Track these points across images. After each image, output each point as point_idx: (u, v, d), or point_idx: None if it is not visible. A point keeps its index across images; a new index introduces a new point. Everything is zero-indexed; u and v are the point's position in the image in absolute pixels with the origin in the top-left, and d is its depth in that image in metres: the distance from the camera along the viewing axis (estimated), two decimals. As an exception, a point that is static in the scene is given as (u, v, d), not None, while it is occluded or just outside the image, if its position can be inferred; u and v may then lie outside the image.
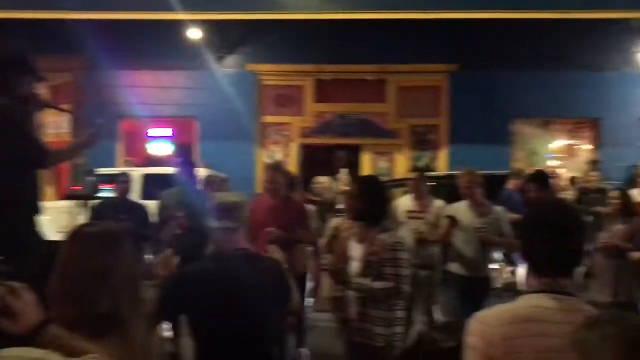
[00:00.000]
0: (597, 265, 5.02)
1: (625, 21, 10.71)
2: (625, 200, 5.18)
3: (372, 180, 4.27)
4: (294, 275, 4.64)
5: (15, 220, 3.08)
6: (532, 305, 1.75)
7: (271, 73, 12.50)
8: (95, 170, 6.00)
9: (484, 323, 1.74)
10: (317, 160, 12.50)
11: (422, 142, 12.51)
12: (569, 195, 9.17)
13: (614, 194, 5.38)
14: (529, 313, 1.73)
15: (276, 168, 5.19)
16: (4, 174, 3.10)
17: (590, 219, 7.11)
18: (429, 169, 11.20)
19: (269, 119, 12.67)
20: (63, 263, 1.84)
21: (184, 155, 10.03)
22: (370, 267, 3.38)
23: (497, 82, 11.72)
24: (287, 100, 12.67)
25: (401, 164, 12.21)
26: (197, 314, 2.56)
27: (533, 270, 1.85)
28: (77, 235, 1.92)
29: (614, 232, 5.04)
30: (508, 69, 11.70)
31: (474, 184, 5.23)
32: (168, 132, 13.28)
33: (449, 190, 6.23)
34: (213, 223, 2.73)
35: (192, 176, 5.93)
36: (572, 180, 10.30)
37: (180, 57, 11.87)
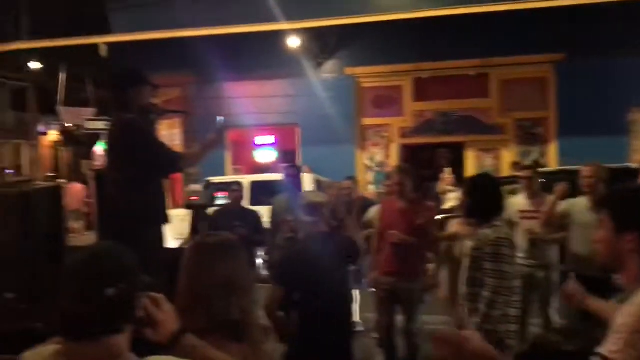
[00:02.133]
0: None
1: None
2: None
3: (483, 177, 4.18)
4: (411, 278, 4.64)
5: (145, 230, 3.27)
6: None
7: (369, 75, 12.53)
8: (208, 179, 6.29)
9: None
10: (418, 159, 12.37)
11: (529, 136, 12.00)
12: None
13: None
14: None
15: (403, 170, 5.14)
16: (134, 185, 3.31)
17: None
18: (538, 164, 10.71)
19: (368, 120, 12.70)
20: (190, 274, 1.95)
21: (289, 161, 10.34)
22: (475, 262, 3.34)
23: (610, 69, 11.01)
24: (386, 101, 12.64)
25: (507, 160, 11.79)
26: (296, 287, 3.32)
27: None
28: (199, 246, 2.05)
29: None
30: (623, 54, 10.94)
31: (599, 179, 4.90)
32: (271, 139, 13.67)
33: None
34: (302, 217, 3.59)
35: (297, 181, 6.07)
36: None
37: (280, 66, 12.21)
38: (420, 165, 11.45)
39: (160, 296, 1.63)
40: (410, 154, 12.57)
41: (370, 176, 12.48)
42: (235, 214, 6.03)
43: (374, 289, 5.12)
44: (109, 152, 3.48)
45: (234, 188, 6.15)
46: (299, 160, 12.18)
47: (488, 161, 12.15)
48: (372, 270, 5.13)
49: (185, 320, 1.78)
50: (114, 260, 1.51)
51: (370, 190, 12.04)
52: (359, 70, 12.46)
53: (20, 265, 2.84)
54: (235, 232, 5.62)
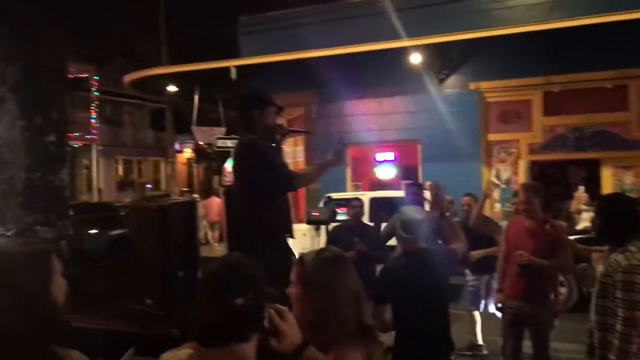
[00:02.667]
0: None
1: None
2: None
3: (617, 197, 3.87)
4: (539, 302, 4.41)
5: (269, 245, 3.38)
6: None
7: (495, 89, 12.12)
8: (329, 195, 6.38)
9: None
10: (548, 177, 11.73)
11: (676, 152, 10.94)
12: None
13: None
14: None
15: (531, 187, 4.89)
16: (258, 201, 3.45)
17: None
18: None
19: (494, 136, 12.26)
20: (322, 288, 2.00)
21: (410, 178, 10.25)
22: (605, 290, 3.09)
23: None
24: (514, 115, 12.13)
25: (650, 178, 10.83)
26: (397, 300, 3.48)
27: None
28: (328, 260, 2.09)
29: None
30: None
31: None
32: (391, 156, 13.65)
33: None
34: (402, 233, 3.63)
35: (419, 198, 5.98)
36: None
37: (401, 83, 12.17)
38: (551, 183, 10.85)
39: (285, 308, 1.68)
40: (539, 171, 11.95)
41: (496, 194, 12.03)
42: (355, 230, 6.06)
43: (499, 312, 4.90)
44: (234, 169, 3.67)
45: (354, 204, 6.19)
46: (420, 177, 12.03)
47: (628, 179, 11.23)
48: (498, 292, 4.92)
49: (314, 332, 1.87)
50: (243, 272, 1.59)
51: (496, 208, 11.59)
52: (484, 84, 12.09)
53: (158, 274, 3.04)
54: (355, 248, 5.66)
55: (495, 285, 5.81)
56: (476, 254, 5.83)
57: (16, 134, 2.85)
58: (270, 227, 3.44)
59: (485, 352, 5.98)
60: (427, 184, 5.06)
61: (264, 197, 3.45)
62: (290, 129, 4.10)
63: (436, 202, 4.13)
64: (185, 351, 1.66)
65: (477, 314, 6.22)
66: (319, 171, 3.82)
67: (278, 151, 3.76)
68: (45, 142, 2.93)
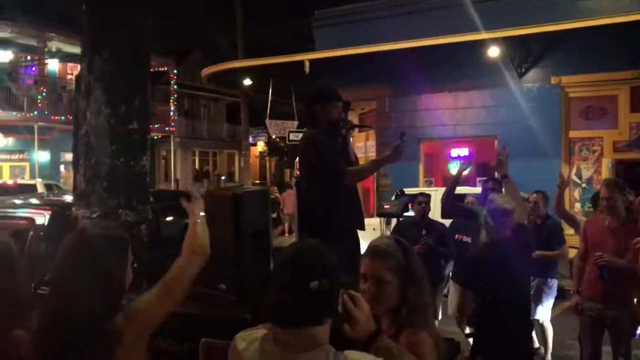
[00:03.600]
0: None
1: None
2: None
3: None
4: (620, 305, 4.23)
5: (337, 235, 3.39)
6: None
7: (578, 84, 11.57)
8: (402, 189, 6.32)
9: None
10: (634, 177, 11.09)
11: None
12: None
13: None
14: None
15: (613, 184, 4.63)
16: (322, 193, 3.57)
17: None
18: None
19: (576, 133, 11.73)
20: (402, 276, 2.02)
21: (485, 174, 9.97)
22: None
23: None
24: (597, 112, 11.55)
25: None
26: (482, 287, 3.55)
27: None
28: (408, 250, 2.10)
29: None
30: None
31: None
32: (466, 151, 13.34)
33: None
34: (490, 220, 3.70)
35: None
36: None
37: (478, 77, 11.84)
38: (636, 184, 10.26)
39: (359, 295, 1.69)
40: (624, 170, 11.29)
41: (576, 194, 11.51)
42: (421, 225, 6.01)
43: (578, 314, 4.69)
44: (299, 162, 3.88)
45: (419, 200, 6.13)
46: (496, 174, 11.68)
47: None
48: (575, 294, 4.70)
49: (390, 320, 1.96)
50: (318, 257, 1.62)
51: (576, 208, 11.10)
52: (567, 79, 11.56)
53: (232, 260, 3.11)
54: (421, 242, 5.62)
55: (547, 290, 5.63)
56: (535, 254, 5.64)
57: (102, 121, 2.98)
58: (335, 218, 3.51)
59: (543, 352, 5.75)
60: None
61: (324, 189, 3.56)
62: (354, 124, 4.16)
63: (501, 163, 4.26)
64: (260, 331, 1.71)
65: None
66: (373, 166, 3.89)
67: (344, 145, 3.84)
68: (128, 130, 3.04)
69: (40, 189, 15.34)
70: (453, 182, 4.98)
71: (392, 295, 1.98)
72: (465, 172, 5.42)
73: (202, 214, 2.22)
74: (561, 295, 7.18)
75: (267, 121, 14.58)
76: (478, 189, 6.56)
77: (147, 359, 2.02)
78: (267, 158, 34.07)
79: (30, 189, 14.40)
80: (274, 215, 13.07)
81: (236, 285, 3.08)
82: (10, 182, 17.16)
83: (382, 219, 7.37)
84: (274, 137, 16.11)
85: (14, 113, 21.22)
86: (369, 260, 2.04)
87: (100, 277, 1.88)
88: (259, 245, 3.24)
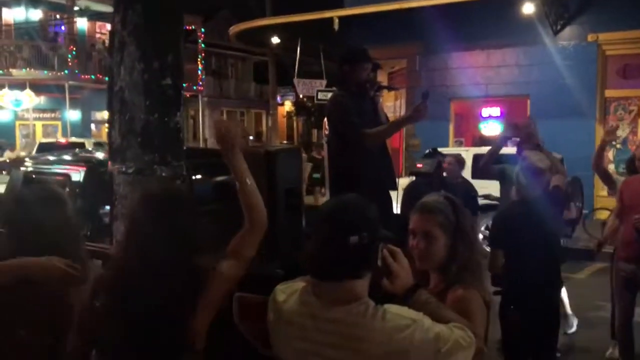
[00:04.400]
0: None
1: None
2: None
3: None
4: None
5: (362, 192, 3.38)
6: None
7: (616, 41, 11.18)
8: (434, 148, 6.22)
9: None
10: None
11: None
12: None
13: None
14: None
15: None
16: (347, 154, 3.58)
17: None
18: None
19: (612, 92, 11.40)
20: (457, 232, 2.02)
21: (517, 134, 9.78)
22: None
23: None
24: (635, 70, 11.18)
25: None
26: (510, 245, 3.50)
27: None
28: (460, 206, 2.09)
29: None
30: None
31: None
32: (497, 111, 13.10)
33: None
34: (521, 179, 3.64)
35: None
36: None
37: (512, 34, 11.52)
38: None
39: (397, 249, 1.68)
40: (662, 131, 11.03)
41: (610, 155, 11.26)
42: (441, 185, 5.89)
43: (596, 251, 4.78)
44: (327, 122, 3.95)
45: (446, 160, 6.06)
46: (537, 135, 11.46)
47: None
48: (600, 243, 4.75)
49: (439, 276, 1.99)
50: (358, 212, 1.61)
51: (610, 169, 10.85)
52: (604, 36, 11.17)
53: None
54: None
55: None
56: None
57: (136, 77, 2.97)
58: (364, 178, 3.50)
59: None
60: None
61: (352, 149, 3.57)
62: (382, 85, 4.17)
63: (530, 135, 4.25)
64: (299, 284, 1.73)
65: None
66: (393, 128, 3.90)
67: (374, 106, 3.83)
68: (161, 85, 3.03)
69: (89, 146, 15.66)
70: (492, 152, 5.08)
71: (440, 251, 1.97)
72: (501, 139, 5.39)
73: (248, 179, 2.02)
74: (590, 257, 7.11)
75: (295, 80, 14.47)
76: (510, 150, 6.43)
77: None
78: (294, 118, 33.98)
79: (80, 147, 14.67)
80: (318, 175, 13.10)
81: (269, 242, 3.11)
82: (62, 140, 17.90)
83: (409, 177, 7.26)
84: (301, 96, 16.01)
85: (45, 72, 21.46)
86: (417, 215, 2.03)
87: (178, 232, 1.89)
88: (292, 203, 3.25)
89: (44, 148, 14.74)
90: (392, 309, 1.57)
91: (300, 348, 1.62)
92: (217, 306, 1.90)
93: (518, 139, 5.76)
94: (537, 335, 3.50)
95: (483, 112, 13.16)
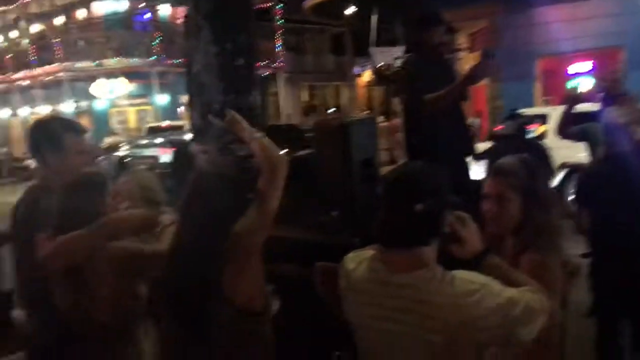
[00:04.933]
0: None
1: None
2: None
3: None
4: None
5: (436, 158, 3.36)
6: None
7: None
8: (516, 111, 5.98)
9: None
10: None
11: None
12: None
13: None
14: None
15: None
16: (418, 121, 3.58)
17: None
18: None
19: None
20: (532, 195, 1.98)
21: (607, 89, 9.20)
22: None
23: None
24: None
25: None
26: (595, 204, 3.38)
27: None
28: (535, 169, 2.05)
29: None
30: None
31: None
32: (588, 66, 12.36)
33: None
34: (605, 135, 3.48)
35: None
36: None
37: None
38: None
39: (466, 215, 1.68)
40: None
41: None
42: (518, 145, 5.64)
43: None
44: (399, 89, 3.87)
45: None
46: (623, 88, 10.77)
47: None
48: None
49: (514, 240, 1.96)
50: (424, 178, 1.61)
51: None
52: None
53: (341, 187, 3.19)
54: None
55: None
56: None
57: (211, 59, 3.09)
58: (438, 143, 3.47)
59: None
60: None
61: (421, 116, 3.54)
62: (454, 47, 4.10)
63: (615, 84, 4.19)
64: (368, 252, 1.76)
65: None
66: (452, 91, 3.64)
67: (449, 70, 3.77)
68: (235, 66, 3.13)
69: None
70: (566, 112, 4.79)
71: (514, 214, 1.95)
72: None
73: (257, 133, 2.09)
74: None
75: (371, 49, 14.32)
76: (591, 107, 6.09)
77: (261, 277, 2.06)
78: (374, 88, 33.66)
79: (178, 129, 16.44)
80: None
81: (346, 212, 3.17)
82: (164, 124, 19.27)
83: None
84: (378, 65, 15.82)
85: (134, 59, 22.52)
86: (491, 178, 2.01)
87: (218, 211, 1.95)
88: (368, 173, 3.29)
89: (152, 131, 17.43)
90: (461, 274, 1.57)
91: (370, 314, 1.65)
92: (257, 263, 1.93)
93: (604, 93, 5.46)
94: (630, 297, 3.36)
95: (571, 69, 12.48)
